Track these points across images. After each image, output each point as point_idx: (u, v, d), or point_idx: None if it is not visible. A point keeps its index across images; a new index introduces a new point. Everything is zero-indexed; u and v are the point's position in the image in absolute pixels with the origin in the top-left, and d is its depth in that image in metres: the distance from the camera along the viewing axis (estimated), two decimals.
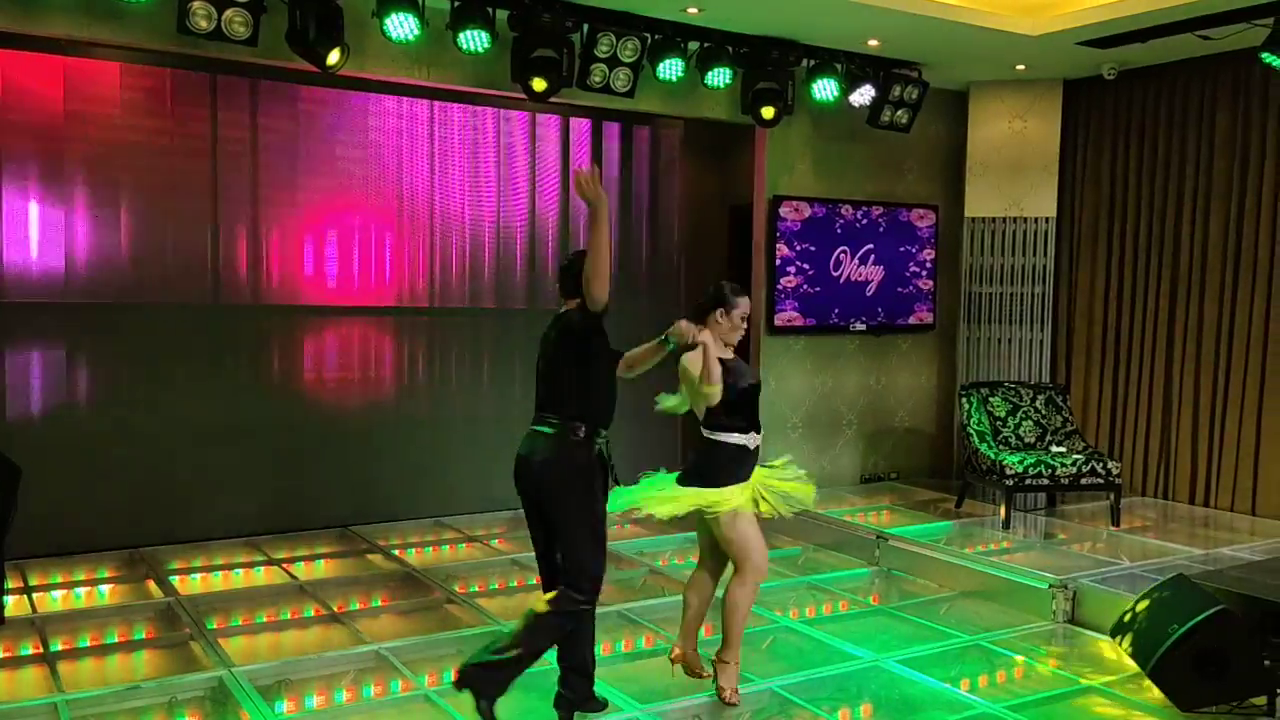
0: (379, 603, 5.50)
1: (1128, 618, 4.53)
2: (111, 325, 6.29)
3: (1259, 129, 6.97)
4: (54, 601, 5.41)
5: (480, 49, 5.96)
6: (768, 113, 6.94)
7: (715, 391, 4.00)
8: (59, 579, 5.72)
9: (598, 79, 6.38)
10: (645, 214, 8.05)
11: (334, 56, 5.57)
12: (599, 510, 3.84)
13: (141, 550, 6.20)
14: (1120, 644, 4.55)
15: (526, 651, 3.73)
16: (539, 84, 6.08)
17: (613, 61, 6.35)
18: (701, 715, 4.07)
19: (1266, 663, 4.19)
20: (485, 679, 3.70)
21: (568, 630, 3.82)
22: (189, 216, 6.45)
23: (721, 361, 4.07)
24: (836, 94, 7.09)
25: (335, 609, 5.28)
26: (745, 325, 4.26)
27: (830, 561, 6.47)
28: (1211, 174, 7.23)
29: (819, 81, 7.02)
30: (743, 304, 4.23)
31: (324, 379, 6.95)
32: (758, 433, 4.20)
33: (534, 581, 6.02)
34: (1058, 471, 6.65)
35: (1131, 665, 4.50)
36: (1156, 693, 4.30)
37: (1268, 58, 6.05)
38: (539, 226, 7.59)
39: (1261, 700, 4.18)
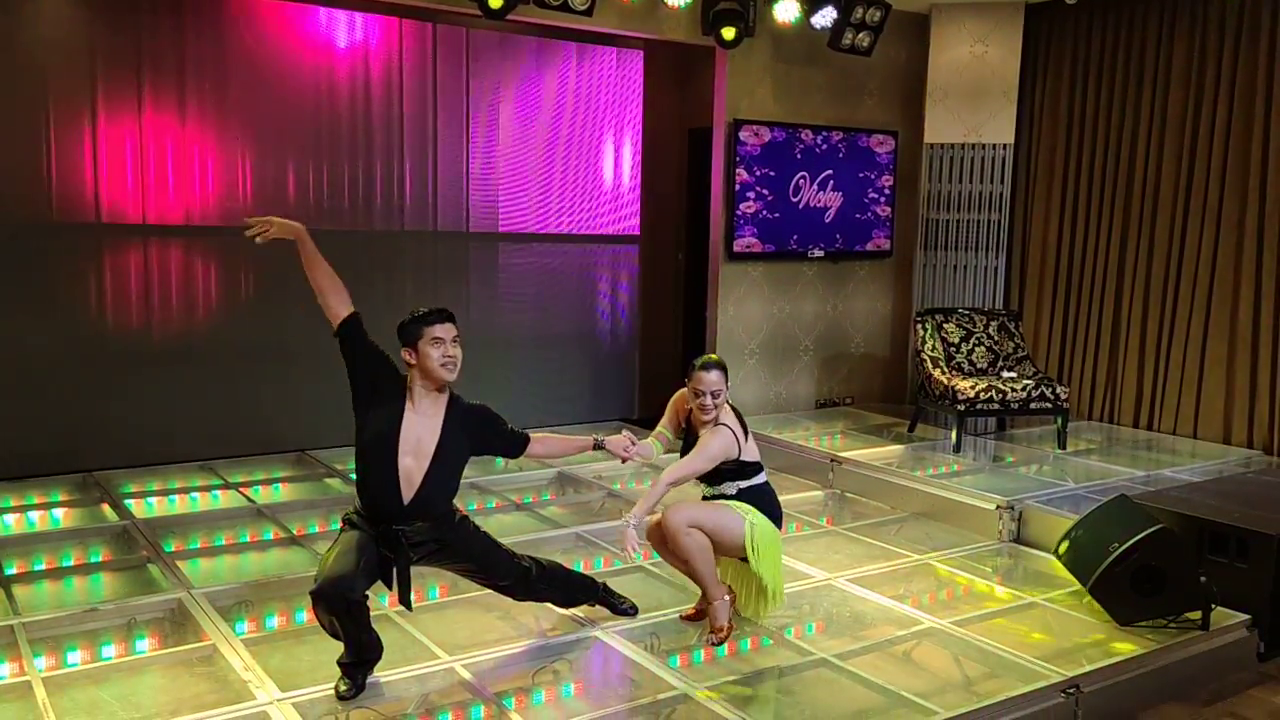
0: (338, 525, 5.47)
1: (1071, 536, 4.68)
2: (60, 246, 6.14)
3: (1214, 60, 7.00)
4: (7, 526, 5.35)
5: None
6: (729, 34, 6.84)
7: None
8: (11, 503, 5.65)
9: None
10: (602, 136, 7.94)
11: None
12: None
13: (94, 474, 6.15)
14: (1063, 561, 4.71)
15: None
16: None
17: None
18: (658, 633, 4.15)
19: (1202, 579, 4.36)
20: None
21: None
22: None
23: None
24: (798, 15, 7.01)
25: (295, 532, 5.29)
26: (712, 401, 3.94)
27: (785, 484, 6.56)
28: (1166, 105, 7.27)
29: (780, 2, 6.93)
30: (699, 377, 3.96)
31: (275, 301, 6.84)
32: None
33: (493, 505, 6.06)
34: (1008, 396, 6.78)
35: (1073, 581, 4.66)
36: (1096, 608, 4.46)
37: None
38: (492, 151, 7.47)
39: (1196, 614, 4.35)
